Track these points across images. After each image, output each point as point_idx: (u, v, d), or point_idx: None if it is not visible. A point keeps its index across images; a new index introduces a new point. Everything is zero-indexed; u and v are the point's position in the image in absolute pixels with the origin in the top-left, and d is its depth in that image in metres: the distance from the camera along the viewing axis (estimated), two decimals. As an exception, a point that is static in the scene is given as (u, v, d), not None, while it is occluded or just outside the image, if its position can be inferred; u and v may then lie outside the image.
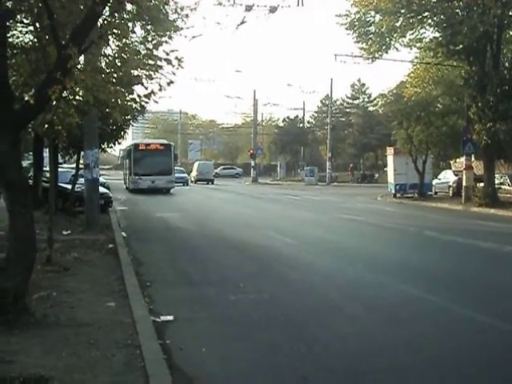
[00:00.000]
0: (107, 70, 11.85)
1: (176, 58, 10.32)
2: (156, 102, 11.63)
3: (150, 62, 11.12)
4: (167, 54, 10.69)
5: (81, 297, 9.91)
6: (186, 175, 63.93)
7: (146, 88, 11.16)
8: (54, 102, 9.77)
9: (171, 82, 10.92)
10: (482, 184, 33.11)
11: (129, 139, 50.55)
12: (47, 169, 22.05)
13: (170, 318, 9.03)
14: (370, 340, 8.15)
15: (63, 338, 7.56)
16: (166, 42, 11.81)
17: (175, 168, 50.46)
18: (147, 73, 11.24)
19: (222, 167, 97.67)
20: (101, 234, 17.68)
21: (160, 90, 10.88)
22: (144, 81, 11.27)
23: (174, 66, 10.48)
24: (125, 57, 11.21)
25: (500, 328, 8.66)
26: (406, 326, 8.91)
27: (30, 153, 27.86)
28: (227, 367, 7.08)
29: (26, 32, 12.31)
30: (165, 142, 51.37)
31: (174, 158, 47.90)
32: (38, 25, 10.25)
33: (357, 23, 35.96)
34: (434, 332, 8.51)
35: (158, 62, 10.89)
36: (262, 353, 7.54)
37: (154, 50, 11.31)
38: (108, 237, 17.27)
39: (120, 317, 8.71)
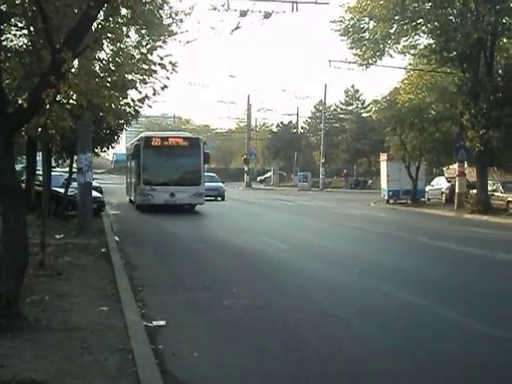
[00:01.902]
0: (101, 74, 11.86)
1: (170, 62, 10.33)
2: (150, 106, 11.62)
3: (144, 66, 11.13)
4: (161, 59, 10.71)
5: (73, 301, 9.88)
6: (220, 184, 45.50)
7: (140, 92, 11.17)
8: (48, 106, 9.77)
9: (165, 86, 10.92)
10: (474, 191, 33.20)
11: (122, 144, 46.69)
12: (40, 172, 22.02)
13: (163, 322, 9.00)
14: (362, 345, 8.15)
15: (56, 342, 7.53)
16: (161, 46, 11.84)
17: (205, 174, 35.09)
18: (141, 77, 11.24)
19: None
20: (93, 238, 17.64)
21: (154, 94, 10.88)
22: (138, 85, 11.28)
23: (168, 71, 10.49)
24: (119, 61, 11.23)
25: (492, 334, 8.66)
26: (398, 331, 8.93)
27: (23, 156, 27.82)
28: (220, 372, 7.07)
29: (20, 35, 12.33)
30: (189, 134, 37.80)
31: (204, 159, 31.58)
32: (32, 28, 10.26)
33: (351, 29, 36.10)
34: (426, 337, 8.52)
35: (153, 67, 10.90)
36: (254, 358, 7.53)
37: (149, 55, 11.32)
38: (101, 241, 17.23)
39: (112, 321, 8.68)
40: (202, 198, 31.32)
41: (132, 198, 35.08)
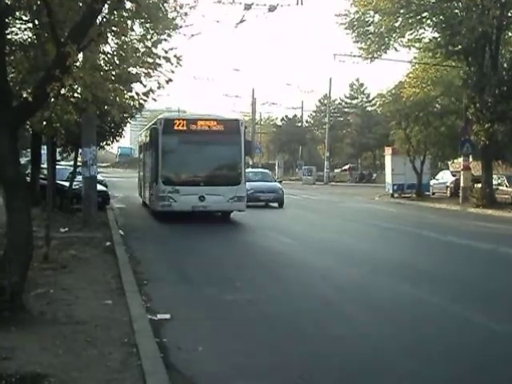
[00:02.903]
0: (106, 68, 11.83)
1: (175, 56, 10.31)
2: (154, 100, 11.60)
3: (149, 59, 11.09)
4: (166, 52, 10.68)
5: (78, 294, 9.89)
6: (277, 185, 33.65)
7: (145, 86, 11.14)
8: (53, 100, 9.76)
9: (170, 80, 10.90)
10: (479, 185, 33.15)
11: (127, 137, 45.48)
12: (45, 166, 22.04)
13: (167, 316, 9.00)
14: (368, 342, 8.15)
15: (60, 335, 7.54)
16: (165, 39, 11.79)
17: (249, 170, 30.52)
18: (146, 71, 11.22)
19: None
20: (98, 232, 17.65)
21: (159, 88, 10.85)
22: (143, 79, 11.25)
23: (172, 64, 10.46)
24: (123, 55, 11.19)
25: (498, 331, 8.66)
26: (405, 327, 8.93)
27: (28, 150, 27.82)
28: (224, 366, 7.06)
29: (25, 29, 12.29)
30: (224, 117, 26.72)
31: (245, 149, 23.76)
32: (36, 22, 10.25)
33: (356, 23, 35.99)
34: (434, 333, 8.52)
35: (157, 60, 10.87)
36: (259, 352, 7.52)
37: (153, 48, 11.29)
38: (105, 234, 17.25)
39: (117, 315, 8.69)
40: (243, 203, 23.18)
41: (146, 200, 27.45)
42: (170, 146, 22.81)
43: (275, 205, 31.39)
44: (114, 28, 10.14)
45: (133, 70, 11.31)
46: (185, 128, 22.85)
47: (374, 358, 7.36)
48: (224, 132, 23.22)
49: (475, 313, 9.49)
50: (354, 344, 7.93)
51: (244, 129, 23.73)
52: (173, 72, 10.92)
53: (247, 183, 24.79)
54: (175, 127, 22.85)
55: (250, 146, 25.63)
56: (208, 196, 22.23)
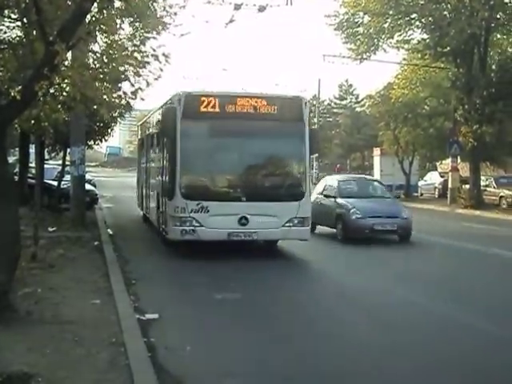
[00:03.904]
0: (95, 67, 11.81)
1: (163, 54, 10.29)
2: (143, 99, 11.60)
3: (136, 55, 11.07)
4: (154, 50, 10.67)
5: (66, 294, 9.85)
6: (396, 202, 21.59)
7: (133, 85, 11.14)
8: (41, 98, 9.72)
9: (159, 77, 10.90)
10: (467, 186, 33.31)
11: (115, 137, 44.31)
12: (33, 165, 21.95)
13: (155, 316, 9.00)
14: (351, 342, 8.12)
15: (48, 335, 7.51)
16: (154, 38, 11.79)
17: (341, 177, 23.41)
18: (135, 70, 11.21)
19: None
20: (86, 231, 17.60)
21: (147, 86, 10.86)
22: (131, 78, 11.24)
23: (161, 63, 10.46)
24: (112, 53, 11.18)
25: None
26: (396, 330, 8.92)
27: (16, 149, 27.71)
28: (212, 366, 7.05)
29: (14, 27, 12.28)
30: (278, 93, 20.10)
31: (311, 145, 15.32)
32: (25, 20, 10.21)
33: (345, 24, 36.05)
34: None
35: (145, 59, 10.86)
36: (248, 353, 7.52)
37: (142, 46, 11.29)
38: (94, 234, 17.20)
39: (105, 314, 8.67)
40: (307, 228, 15.10)
41: (152, 218, 19.17)
42: (195, 139, 14.91)
43: (393, 237, 18.52)
44: (102, 27, 10.12)
45: (121, 69, 11.29)
46: (218, 110, 14.78)
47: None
48: (279, 116, 15.15)
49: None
50: (344, 346, 7.92)
51: (309, 112, 16.00)
52: (162, 70, 10.92)
53: (344, 200, 18.67)
54: (203, 108, 14.69)
55: (317, 138, 16.60)
56: (253, 217, 14.43)
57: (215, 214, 14.29)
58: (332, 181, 20.80)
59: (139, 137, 26.73)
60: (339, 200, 18.77)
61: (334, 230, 18.64)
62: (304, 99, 15.85)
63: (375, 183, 22.40)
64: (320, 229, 19.35)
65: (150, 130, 21.35)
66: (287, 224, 14.61)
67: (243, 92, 16.59)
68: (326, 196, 19.55)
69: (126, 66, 11.11)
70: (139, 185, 24.69)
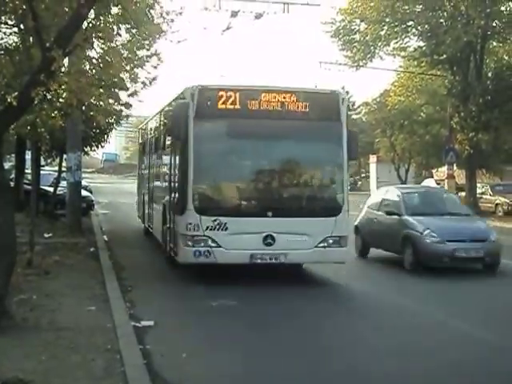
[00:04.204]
0: (91, 73, 11.83)
1: (155, 54, 10.31)
2: (140, 101, 11.61)
3: (131, 56, 11.11)
4: (148, 50, 10.72)
5: (61, 300, 9.83)
6: (480, 222, 16.27)
7: (128, 89, 11.17)
8: (38, 104, 9.73)
9: (154, 78, 10.93)
10: (463, 193, 33.34)
11: (111, 143, 43.60)
12: (29, 171, 21.93)
13: (151, 323, 8.97)
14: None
15: (43, 341, 7.49)
16: (150, 43, 11.84)
17: (405, 188, 20.85)
18: (131, 76, 11.25)
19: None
20: (82, 238, 17.57)
21: (144, 86, 10.88)
22: (128, 83, 11.28)
23: (153, 66, 10.52)
24: (109, 60, 11.20)
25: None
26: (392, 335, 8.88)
27: (12, 155, 27.68)
28: (208, 373, 7.04)
29: (10, 33, 12.29)
30: (308, 88, 14.93)
31: (349, 149, 12.69)
32: (22, 26, 10.21)
33: (342, 31, 36.15)
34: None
35: (138, 62, 10.90)
36: (244, 359, 7.50)
37: (137, 51, 11.34)
38: (90, 240, 17.17)
39: (101, 321, 8.64)
40: (344, 250, 12.78)
41: (156, 233, 16.90)
42: (211, 141, 12.50)
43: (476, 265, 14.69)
44: (99, 33, 10.14)
45: (118, 75, 11.32)
46: (238, 107, 12.30)
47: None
48: (312, 115, 12.67)
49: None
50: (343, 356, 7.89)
51: (346, 110, 13.16)
52: (155, 67, 10.92)
53: (412, 218, 14.89)
54: (220, 104, 12.20)
55: (356, 141, 13.86)
56: (280, 236, 12.08)
57: (235, 232, 11.95)
58: (392, 193, 16.52)
59: (140, 141, 24.64)
60: (406, 218, 14.87)
61: (395, 255, 15.23)
62: (341, 95, 13.27)
63: (449, 195, 18.76)
64: (374, 252, 16.21)
65: (154, 132, 18.95)
66: (321, 244, 12.22)
67: (269, 86, 13.11)
68: (387, 213, 15.60)
69: (123, 73, 11.15)
70: (140, 194, 22.24)
